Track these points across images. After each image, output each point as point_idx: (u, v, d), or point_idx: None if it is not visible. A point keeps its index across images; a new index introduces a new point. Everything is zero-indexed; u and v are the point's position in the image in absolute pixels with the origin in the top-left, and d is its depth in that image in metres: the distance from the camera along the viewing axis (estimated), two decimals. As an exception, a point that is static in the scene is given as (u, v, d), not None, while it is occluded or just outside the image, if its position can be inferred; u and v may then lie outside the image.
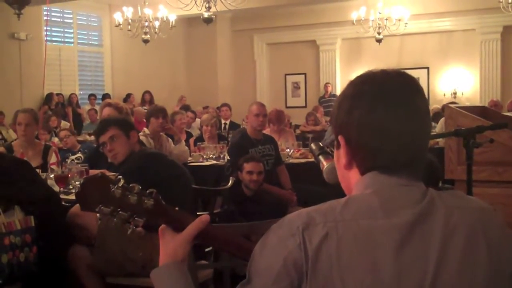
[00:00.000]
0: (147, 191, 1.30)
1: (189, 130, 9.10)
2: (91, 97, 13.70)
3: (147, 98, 14.13)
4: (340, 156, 1.29)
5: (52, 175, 4.47)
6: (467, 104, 11.47)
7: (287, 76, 16.58)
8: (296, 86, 16.61)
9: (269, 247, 1.18)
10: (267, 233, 1.21)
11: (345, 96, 1.28)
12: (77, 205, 3.74)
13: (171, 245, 1.32)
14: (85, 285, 3.56)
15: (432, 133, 5.43)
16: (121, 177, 1.30)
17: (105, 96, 13.91)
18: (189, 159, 6.42)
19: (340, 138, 1.27)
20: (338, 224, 1.15)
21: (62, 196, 4.08)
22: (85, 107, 13.44)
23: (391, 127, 1.21)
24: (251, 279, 1.19)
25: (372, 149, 1.22)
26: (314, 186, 5.40)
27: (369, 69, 1.34)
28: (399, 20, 11.93)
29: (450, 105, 4.35)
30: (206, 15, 10.62)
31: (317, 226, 1.15)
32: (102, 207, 1.27)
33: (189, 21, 14.77)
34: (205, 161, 6.52)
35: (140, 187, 1.30)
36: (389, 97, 1.23)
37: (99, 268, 3.53)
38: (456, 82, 14.66)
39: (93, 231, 3.57)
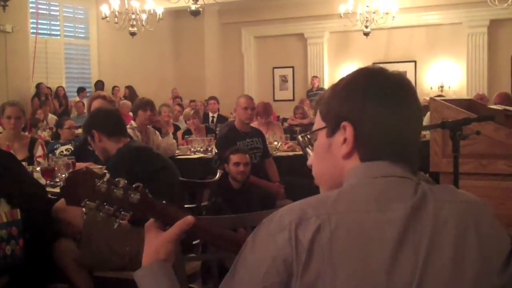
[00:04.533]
0: (133, 185, 1.30)
1: (176, 123, 9.08)
2: (83, 90, 13.58)
3: (127, 93, 14.07)
4: (336, 143, 1.28)
5: (38, 168, 4.44)
6: (454, 97, 11.52)
7: (275, 69, 16.58)
8: (283, 80, 16.61)
9: (258, 242, 1.18)
10: (258, 228, 1.20)
11: (355, 83, 1.28)
12: (62, 199, 3.74)
13: (153, 244, 1.31)
14: (72, 279, 3.55)
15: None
16: (106, 171, 1.30)
17: (98, 83, 13.79)
18: (177, 152, 6.42)
19: (346, 125, 1.25)
20: (331, 217, 1.14)
21: (48, 189, 4.06)
22: (72, 100, 13.36)
23: (398, 123, 1.25)
24: (238, 273, 1.18)
25: (381, 142, 1.24)
26: (302, 179, 5.41)
27: (356, 63, 1.37)
28: (387, 13, 11.94)
29: (436, 98, 4.36)
30: (193, 7, 10.60)
31: (310, 220, 1.14)
32: (87, 202, 1.26)
33: (176, 14, 14.71)
34: (192, 154, 6.51)
35: (126, 182, 1.30)
36: (398, 94, 1.27)
37: (85, 262, 3.51)
38: (443, 75, 14.72)
39: (78, 226, 3.54)
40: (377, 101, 1.25)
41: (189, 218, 1.31)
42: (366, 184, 1.21)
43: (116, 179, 1.29)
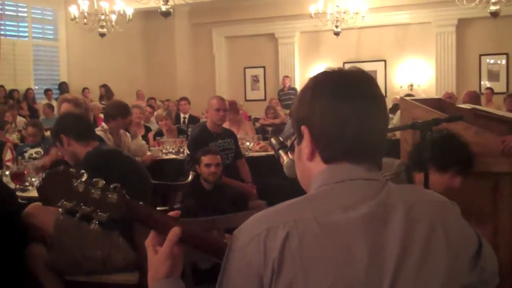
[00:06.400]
0: (111, 186, 1.28)
1: (147, 125, 9.01)
2: (48, 91, 13.44)
3: (103, 92, 14.00)
4: (302, 148, 1.30)
5: (7, 172, 4.38)
6: (423, 96, 11.66)
7: (246, 70, 16.56)
8: (255, 79, 16.62)
9: (232, 256, 1.19)
10: (231, 240, 1.21)
11: (307, 87, 1.30)
12: (32, 204, 3.70)
13: (152, 265, 1.30)
14: (43, 284, 3.51)
15: (389, 126, 5.48)
16: (84, 171, 1.27)
17: (62, 84, 13.64)
18: (148, 153, 6.37)
19: (303, 128, 1.28)
20: (298, 223, 1.15)
21: (18, 193, 4.01)
22: (41, 102, 13.18)
23: (352, 115, 1.23)
24: None
25: (334, 137, 1.23)
26: (274, 179, 5.43)
27: (327, 62, 1.37)
28: (357, 13, 12.02)
29: (406, 97, 4.40)
30: (163, 8, 10.53)
31: (278, 228, 1.15)
32: (64, 202, 1.23)
33: (146, 15, 14.62)
34: (164, 155, 6.48)
35: (104, 182, 1.28)
36: (350, 86, 1.25)
37: (57, 267, 3.48)
38: (412, 74, 14.87)
39: (49, 231, 3.50)
40: (324, 97, 1.25)
41: (175, 229, 1.28)
42: (331, 189, 1.22)
43: (94, 180, 1.27)
